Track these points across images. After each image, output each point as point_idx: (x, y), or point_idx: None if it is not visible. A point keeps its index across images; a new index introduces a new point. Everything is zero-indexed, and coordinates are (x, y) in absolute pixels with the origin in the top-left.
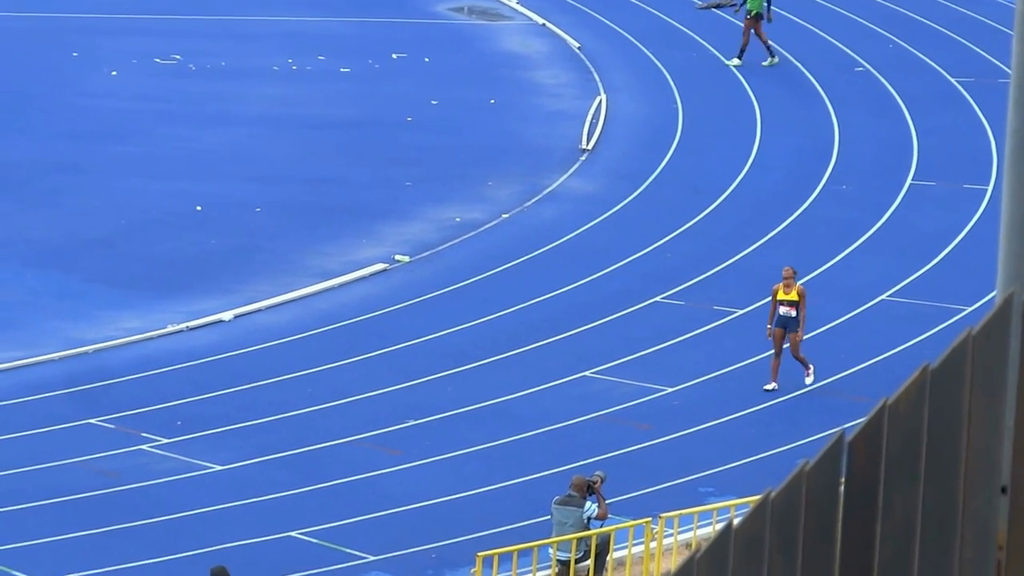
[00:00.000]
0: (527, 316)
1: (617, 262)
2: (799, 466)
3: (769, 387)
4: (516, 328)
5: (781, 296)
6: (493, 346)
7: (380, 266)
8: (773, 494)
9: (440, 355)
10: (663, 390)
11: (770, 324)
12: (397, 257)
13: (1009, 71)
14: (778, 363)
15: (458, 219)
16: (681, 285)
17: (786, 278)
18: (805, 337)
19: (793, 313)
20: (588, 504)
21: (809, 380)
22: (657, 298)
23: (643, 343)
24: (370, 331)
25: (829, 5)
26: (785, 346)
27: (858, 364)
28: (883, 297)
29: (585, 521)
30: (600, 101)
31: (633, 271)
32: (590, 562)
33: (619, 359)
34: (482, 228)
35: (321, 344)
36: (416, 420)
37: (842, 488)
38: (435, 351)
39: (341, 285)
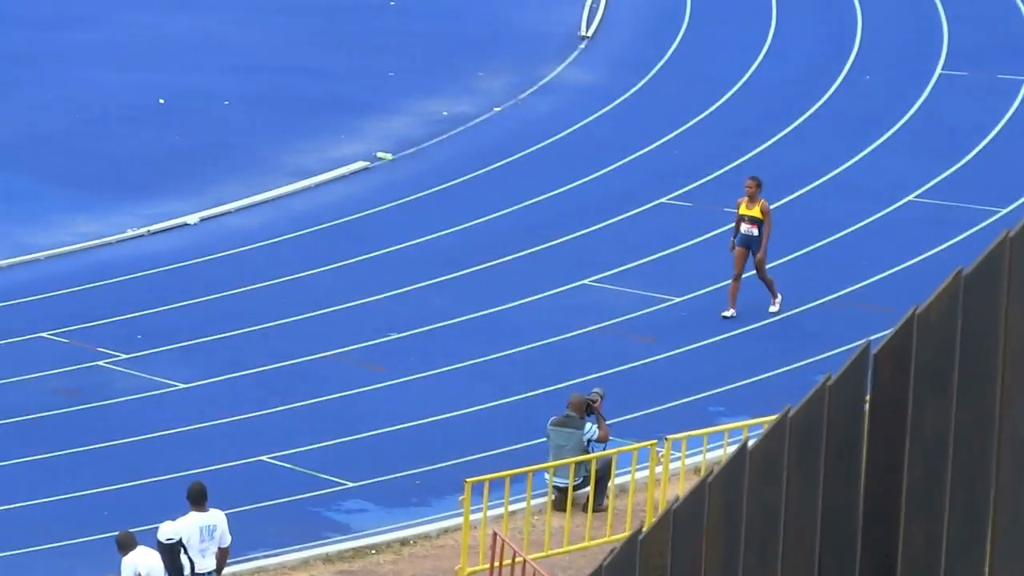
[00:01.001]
0: (520, 219)
1: (619, 160)
2: (821, 381)
3: (727, 314)
4: (508, 232)
5: (743, 211)
6: (484, 252)
7: (361, 164)
8: (792, 411)
9: (426, 261)
10: (669, 300)
11: (733, 239)
12: (379, 154)
13: None
14: (737, 287)
15: (445, 113)
16: (689, 185)
17: (749, 190)
18: (771, 264)
19: (755, 232)
20: (588, 425)
21: (774, 309)
22: (663, 199)
23: (647, 248)
24: (350, 235)
25: None
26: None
27: (883, 271)
28: (910, 198)
29: (585, 444)
30: None
31: (636, 170)
32: (590, 488)
33: (621, 266)
34: (471, 123)
35: (296, 249)
36: (400, 333)
37: (867, 405)
38: (420, 257)
39: (318, 185)
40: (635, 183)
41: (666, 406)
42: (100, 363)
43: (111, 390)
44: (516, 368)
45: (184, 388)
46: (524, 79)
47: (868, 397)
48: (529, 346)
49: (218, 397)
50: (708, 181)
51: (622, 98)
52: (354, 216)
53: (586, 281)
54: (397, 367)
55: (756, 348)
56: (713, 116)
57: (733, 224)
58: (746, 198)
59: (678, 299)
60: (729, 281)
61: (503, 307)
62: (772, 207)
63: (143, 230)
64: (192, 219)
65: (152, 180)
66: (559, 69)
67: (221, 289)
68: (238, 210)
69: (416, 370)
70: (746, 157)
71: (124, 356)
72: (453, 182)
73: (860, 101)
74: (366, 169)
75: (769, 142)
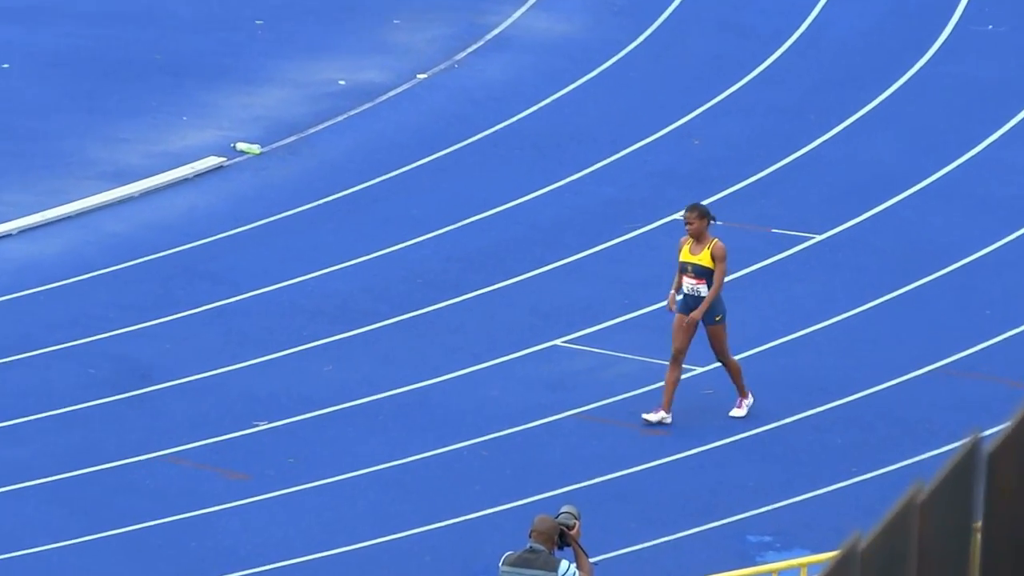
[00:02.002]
0: (456, 246)
1: (608, 156)
2: (907, 495)
3: (652, 418)
4: (437, 269)
5: (685, 256)
6: (398, 297)
7: (212, 161)
8: (865, 542)
9: (310, 311)
10: (689, 370)
11: (674, 293)
12: (240, 146)
13: None
14: (676, 376)
15: (342, 82)
16: (716, 194)
17: (690, 226)
18: (742, 342)
19: (702, 289)
20: (563, 565)
21: (738, 414)
22: (676, 216)
23: (648, 289)
24: (193, 272)
25: None
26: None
27: (1011, 326)
28: None
29: None
30: None
31: (636, 170)
32: None
33: (610, 318)
34: (382, 97)
35: (109, 293)
36: (269, 422)
37: (979, 530)
38: (302, 304)
39: (145, 193)
40: (634, 190)
41: (681, 534)
42: None
43: None
44: (447, 474)
45: None
46: (463, 30)
47: (980, 520)
48: (470, 441)
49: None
50: (746, 187)
51: (612, 60)
52: (199, 242)
53: (557, 341)
54: (266, 474)
55: (812, 444)
56: (752, 87)
57: (676, 276)
58: (688, 238)
59: (699, 369)
60: (667, 366)
61: (428, 381)
62: (842, 227)
63: None
64: None
65: None
66: (516, 15)
67: None
68: (20, 232)
69: (296, 479)
70: (803, 151)
71: None
72: (351, 190)
73: (978, 64)
74: (219, 169)
75: (838, 128)
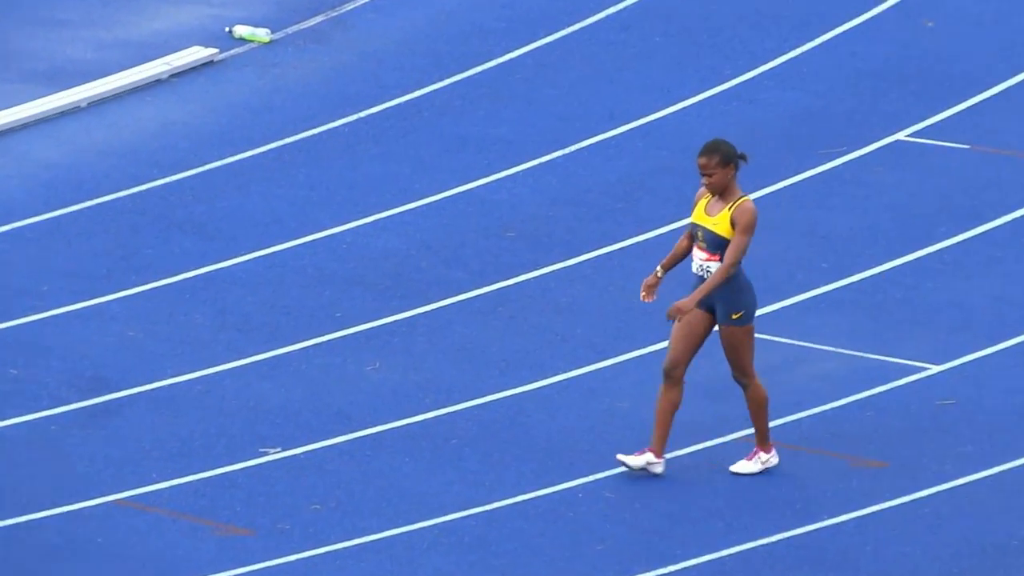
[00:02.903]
0: (565, 185)
1: (795, 47)
2: None
3: (633, 462)
4: (536, 216)
5: (698, 216)
6: (478, 259)
7: (197, 53)
8: None
9: (344, 282)
10: (921, 367)
11: (660, 271)
12: (239, 31)
13: None
14: (670, 402)
15: None
16: (954, 105)
17: (707, 175)
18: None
19: (714, 268)
20: None
21: (746, 469)
22: (899, 135)
23: (852, 243)
24: (168, 221)
25: None
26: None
27: None
28: None
29: None
30: None
31: (834, 67)
32: None
33: (794, 293)
34: None
35: (41, 253)
36: (282, 449)
37: None
38: (332, 273)
39: (96, 102)
40: (830, 97)
41: None
42: None
43: None
44: (556, 528)
45: None
46: None
47: None
48: (588, 477)
49: None
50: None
51: None
52: (176, 176)
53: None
54: (277, 528)
55: None
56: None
57: (678, 243)
58: (704, 193)
59: (935, 367)
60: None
61: (524, 386)
62: None
63: None
64: None
65: None
66: None
67: None
68: None
69: (323, 535)
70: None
71: None
72: (404, 97)
73: None
74: (208, 65)
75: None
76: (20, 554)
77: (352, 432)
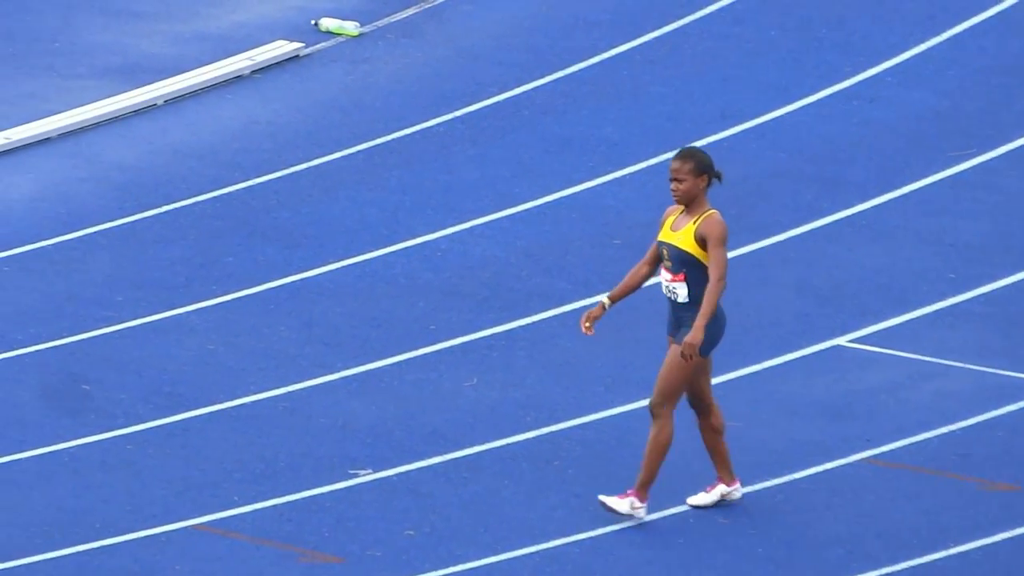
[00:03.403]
0: None
1: (925, 39)
2: None
3: (620, 507)
4: (644, 222)
5: (665, 233)
6: (584, 269)
7: (281, 48)
8: None
9: (439, 292)
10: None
11: (605, 301)
12: (326, 24)
13: None
14: (714, 442)
15: None
16: None
17: (677, 183)
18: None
19: (679, 290)
20: None
21: (700, 501)
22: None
23: (981, 253)
24: (250, 227)
25: None
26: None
27: None
28: None
29: None
30: None
31: (966, 64)
32: None
33: (921, 305)
34: None
35: (112, 260)
36: (373, 471)
37: None
38: (425, 282)
39: (173, 100)
40: (958, 95)
41: None
42: None
43: None
44: (670, 554)
45: None
46: None
47: None
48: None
49: None
50: None
51: None
52: (259, 180)
53: (841, 340)
54: (367, 556)
55: None
56: None
57: (637, 266)
58: (672, 211)
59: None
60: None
61: (633, 403)
62: None
63: None
64: None
65: None
66: None
67: None
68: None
69: (417, 562)
70: None
71: None
72: (504, 94)
73: None
74: (293, 60)
75: None
76: None
77: (448, 453)
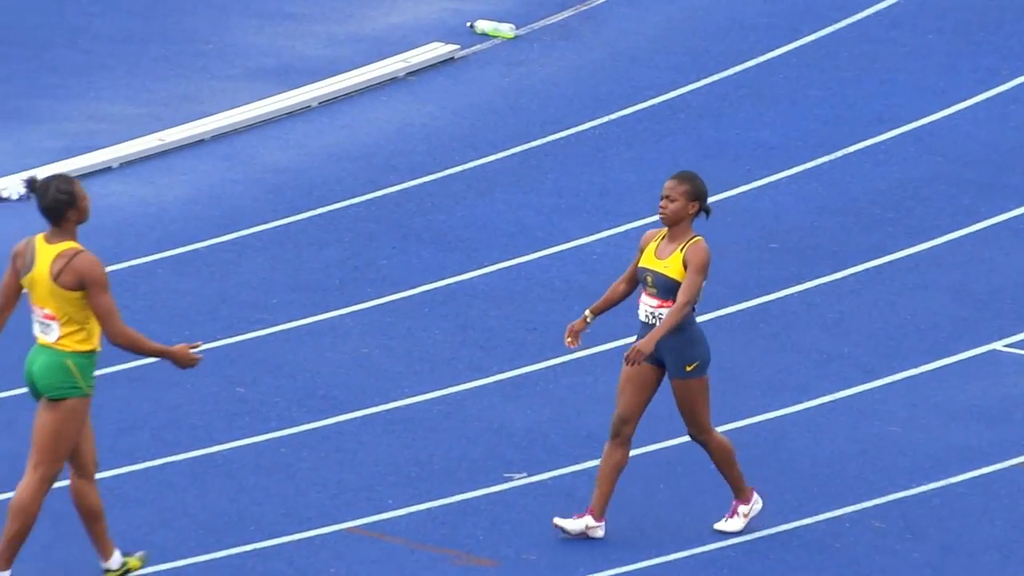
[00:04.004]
0: (831, 193)
1: None
2: None
3: (571, 527)
4: (799, 226)
5: (647, 259)
6: (738, 272)
7: (436, 50)
8: None
9: (596, 297)
10: None
11: (588, 315)
12: (482, 26)
13: None
14: (615, 461)
15: None
16: None
17: (666, 200)
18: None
19: (664, 313)
20: None
21: (730, 527)
22: None
23: None
24: (407, 230)
25: None
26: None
27: None
28: None
29: None
30: None
31: None
32: None
33: None
34: None
35: (266, 262)
36: (527, 475)
37: None
38: (581, 286)
39: (327, 102)
40: None
41: None
42: None
43: None
44: (822, 558)
45: None
46: None
47: None
48: (857, 505)
49: None
50: None
51: None
52: (415, 182)
53: (997, 345)
54: (522, 560)
55: None
56: None
57: (614, 286)
58: (653, 236)
59: None
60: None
61: (783, 409)
62: None
63: None
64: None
65: None
66: None
67: None
68: (124, 164)
69: (572, 566)
70: None
71: None
72: (660, 97)
73: None
74: (448, 63)
75: None
76: None
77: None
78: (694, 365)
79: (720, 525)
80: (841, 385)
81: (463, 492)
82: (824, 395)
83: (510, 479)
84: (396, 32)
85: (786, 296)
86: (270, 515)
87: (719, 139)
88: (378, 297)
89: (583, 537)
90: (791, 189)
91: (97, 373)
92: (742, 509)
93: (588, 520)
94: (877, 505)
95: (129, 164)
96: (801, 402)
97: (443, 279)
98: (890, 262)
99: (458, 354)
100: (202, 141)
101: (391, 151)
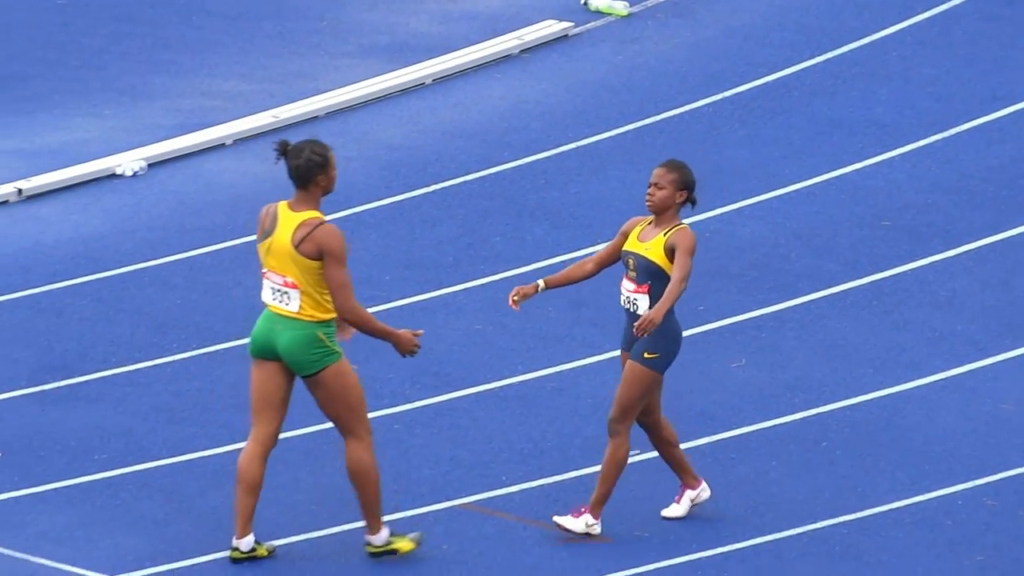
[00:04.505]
0: (948, 169)
1: None
2: None
3: (575, 527)
4: (914, 204)
5: (631, 243)
6: (850, 250)
7: (549, 27)
8: None
9: (708, 273)
10: None
11: (542, 284)
12: (596, 3)
13: None
14: (670, 450)
15: None
16: None
17: (654, 188)
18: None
19: (641, 301)
20: None
21: (674, 513)
22: None
23: None
24: (519, 206)
25: None
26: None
27: None
28: None
29: None
30: None
31: None
32: None
33: None
34: None
35: (380, 239)
36: (636, 451)
37: None
38: (696, 264)
39: (441, 79)
40: None
41: None
42: None
43: None
44: (933, 535)
45: None
46: None
47: None
48: (970, 482)
49: None
50: None
51: None
52: (529, 159)
53: None
54: (646, 539)
55: None
56: None
57: (580, 264)
58: (637, 222)
59: None
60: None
61: (903, 384)
62: None
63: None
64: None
65: None
66: None
67: None
68: (238, 141)
69: (687, 545)
70: None
71: None
72: (774, 75)
73: None
74: (561, 40)
75: None
76: (360, 558)
77: (715, 433)
78: (655, 356)
79: (667, 511)
80: (953, 363)
81: (576, 469)
82: (936, 372)
83: None
84: (510, 9)
85: (899, 274)
86: (383, 491)
87: (832, 117)
88: (492, 274)
89: (591, 537)
90: (904, 167)
91: (211, 349)
92: (690, 493)
93: (587, 519)
94: (990, 483)
95: (243, 141)
96: (913, 379)
97: (556, 256)
98: (1003, 240)
99: (571, 331)
100: (316, 118)
101: (505, 128)
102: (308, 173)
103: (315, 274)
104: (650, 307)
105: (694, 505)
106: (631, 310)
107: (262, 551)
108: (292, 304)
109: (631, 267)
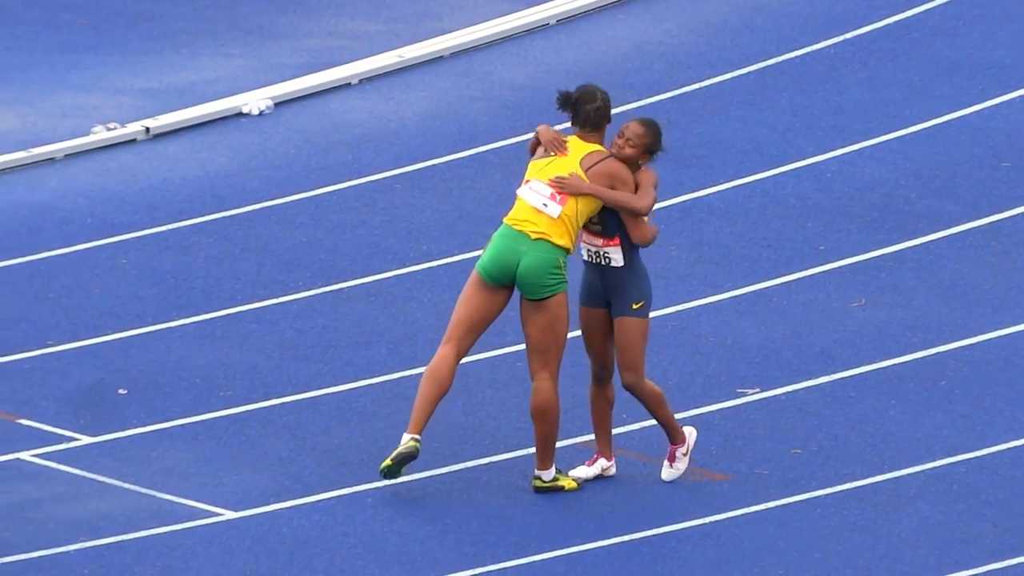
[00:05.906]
0: None
1: None
2: None
3: (589, 474)
4: None
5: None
6: (971, 191)
7: None
8: None
9: (828, 213)
10: None
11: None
12: None
13: None
14: (604, 402)
15: None
16: None
17: (622, 141)
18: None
19: (613, 254)
20: None
21: (672, 474)
22: None
23: None
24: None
25: None
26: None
27: None
28: None
29: None
30: None
31: None
32: None
33: None
34: None
35: (491, 178)
36: (760, 390)
37: None
38: (813, 203)
39: (567, 19)
40: None
41: None
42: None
43: None
44: None
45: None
46: None
47: None
48: None
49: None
50: None
51: None
52: (656, 98)
53: None
54: (754, 475)
55: None
56: None
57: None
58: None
59: None
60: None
61: (1017, 326)
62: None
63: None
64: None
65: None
66: None
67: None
68: (365, 80)
69: (803, 481)
70: None
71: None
72: (888, 20)
73: None
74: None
75: None
76: (485, 495)
77: (835, 372)
78: (640, 303)
79: (666, 475)
80: None
81: (697, 407)
82: None
83: (743, 395)
84: None
85: (1018, 215)
86: (505, 428)
87: (953, 58)
88: None
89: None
90: None
91: (335, 287)
92: (680, 451)
93: (602, 462)
94: None
95: (368, 80)
96: None
97: (679, 196)
98: None
99: (693, 270)
100: (441, 58)
101: (628, 69)
102: (602, 114)
103: (583, 201)
104: (623, 258)
105: (600, 476)
106: (602, 264)
107: (569, 483)
108: (552, 210)
109: (595, 220)
